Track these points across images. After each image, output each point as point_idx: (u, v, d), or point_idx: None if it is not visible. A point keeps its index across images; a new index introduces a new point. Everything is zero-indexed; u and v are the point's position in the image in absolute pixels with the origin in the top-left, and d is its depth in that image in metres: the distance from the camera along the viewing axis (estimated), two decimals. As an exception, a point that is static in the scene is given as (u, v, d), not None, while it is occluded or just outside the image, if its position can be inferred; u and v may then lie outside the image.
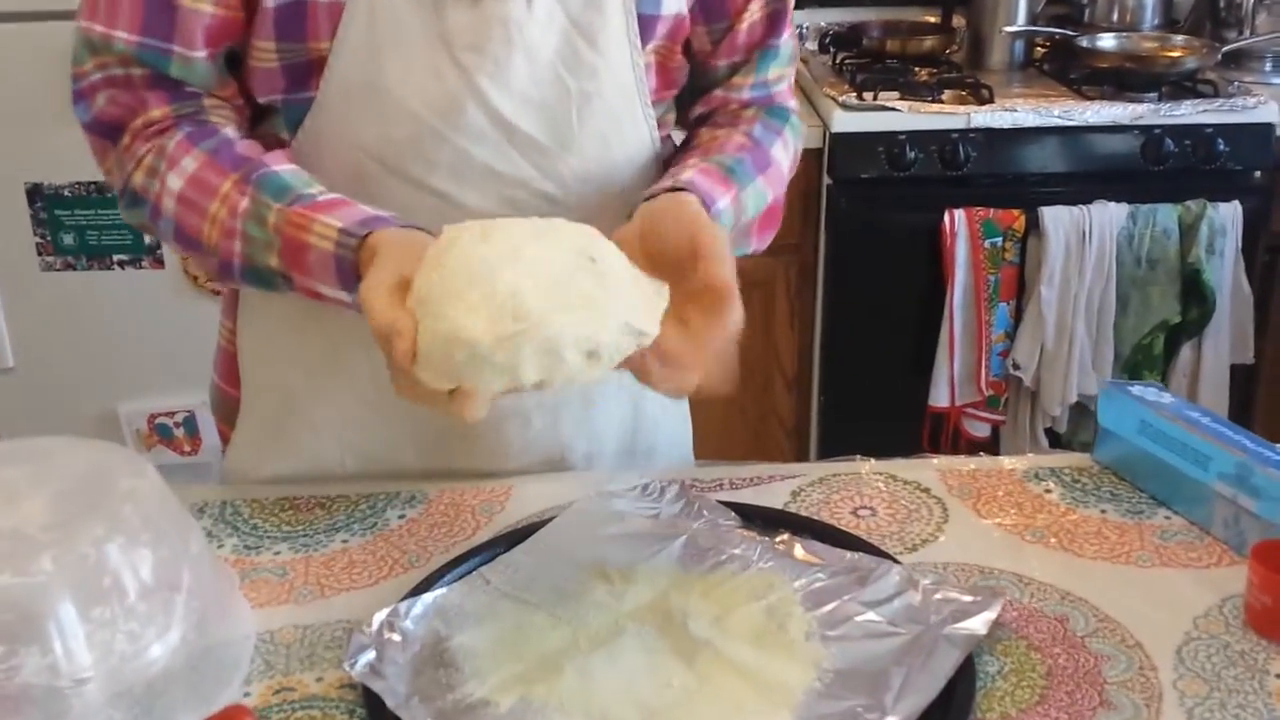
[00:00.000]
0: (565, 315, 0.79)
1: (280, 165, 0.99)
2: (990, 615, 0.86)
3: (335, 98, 1.01)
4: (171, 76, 1.01)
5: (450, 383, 0.81)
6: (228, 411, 1.21)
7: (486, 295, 0.79)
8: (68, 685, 0.76)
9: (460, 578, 0.95)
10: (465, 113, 1.01)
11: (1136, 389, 1.07)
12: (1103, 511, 1.04)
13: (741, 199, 1.06)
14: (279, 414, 1.16)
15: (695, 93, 1.18)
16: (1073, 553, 0.98)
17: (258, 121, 1.07)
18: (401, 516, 1.06)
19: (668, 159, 1.14)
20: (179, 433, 2.54)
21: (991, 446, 2.50)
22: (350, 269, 0.92)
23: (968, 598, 0.88)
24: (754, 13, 1.13)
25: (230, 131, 1.03)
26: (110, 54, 1.00)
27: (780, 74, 1.18)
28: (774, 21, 1.14)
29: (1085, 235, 2.32)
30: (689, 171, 1.02)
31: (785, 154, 1.16)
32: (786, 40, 1.16)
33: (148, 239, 2.39)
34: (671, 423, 1.28)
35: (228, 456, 1.20)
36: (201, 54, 1.00)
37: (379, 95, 1.00)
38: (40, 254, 2.44)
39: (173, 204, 1.00)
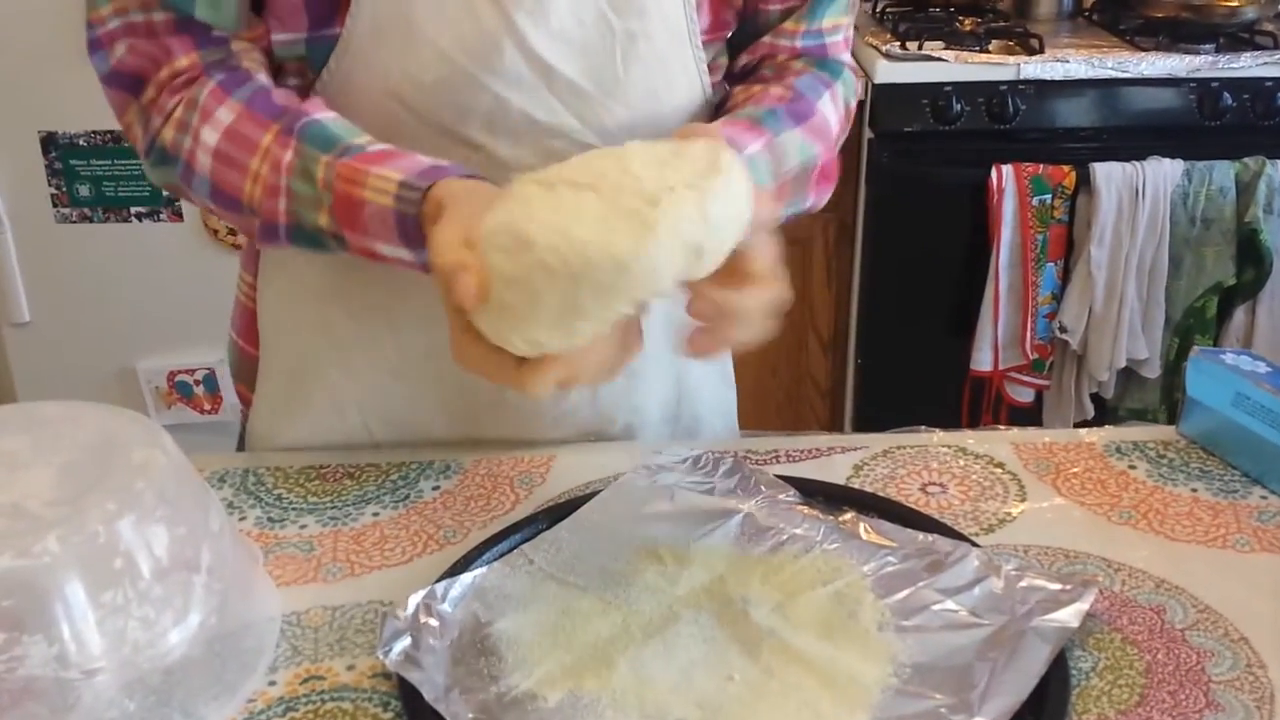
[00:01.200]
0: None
1: (323, 113, 0.91)
2: (1083, 606, 0.79)
3: (362, 36, 0.93)
4: (196, 19, 0.92)
5: (525, 328, 0.72)
6: (246, 372, 1.14)
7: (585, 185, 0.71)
8: (77, 676, 0.69)
9: (500, 556, 0.88)
10: (502, 54, 0.93)
11: (1229, 357, 0.99)
12: (1193, 490, 0.96)
13: (777, 146, 0.97)
14: (300, 378, 1.08)
15: (742, 41, 1.08)
16: (1164, 535, 0.90)
17: (276, 78, 0.99)
18: (436, 488, 0.99)
19: (731, 97, 1.05)
20: (199, 390, 2.48)
21: (1034, 412, 2.43)
22: (414, 225, 0.83)
23: (1056, 586, 0.81)
24: None
25: (264, 78, 0.95)
26: None
27: (836, 23, 1.08)
28: None
29: (1138, 193, 2.23)
30: (714, 125, 0.94)
31: (834, 108, 1.05)
32: None
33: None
34: (715, 392, 1.20)
35: (250, 424, 1.13)
36: None
37: (409, 34, 0.92)
38: (55, 205, 2.37)
39: (209, 160, 0.92)
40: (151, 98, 0.94)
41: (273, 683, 0.79)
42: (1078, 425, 2.40)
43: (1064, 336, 2.34)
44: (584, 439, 1.09)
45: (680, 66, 1.00)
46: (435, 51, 0.93)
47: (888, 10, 2.54)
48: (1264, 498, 0.95)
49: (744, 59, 1.09)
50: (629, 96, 0.98)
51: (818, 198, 1.06)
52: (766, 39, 1.07)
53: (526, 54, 0.94)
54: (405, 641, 0.78)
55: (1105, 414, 2.42)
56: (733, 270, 0.76)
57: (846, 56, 1.10)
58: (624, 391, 1.10)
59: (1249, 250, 2.29)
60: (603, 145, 0.95)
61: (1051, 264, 2.32)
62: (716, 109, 1.08)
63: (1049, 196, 2.27)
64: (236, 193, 0.91)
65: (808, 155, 1.00)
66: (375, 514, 0.96)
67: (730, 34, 1.07)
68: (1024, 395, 2.42)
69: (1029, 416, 2.42)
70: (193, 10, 0.92)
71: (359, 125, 0.92)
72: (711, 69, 1.04)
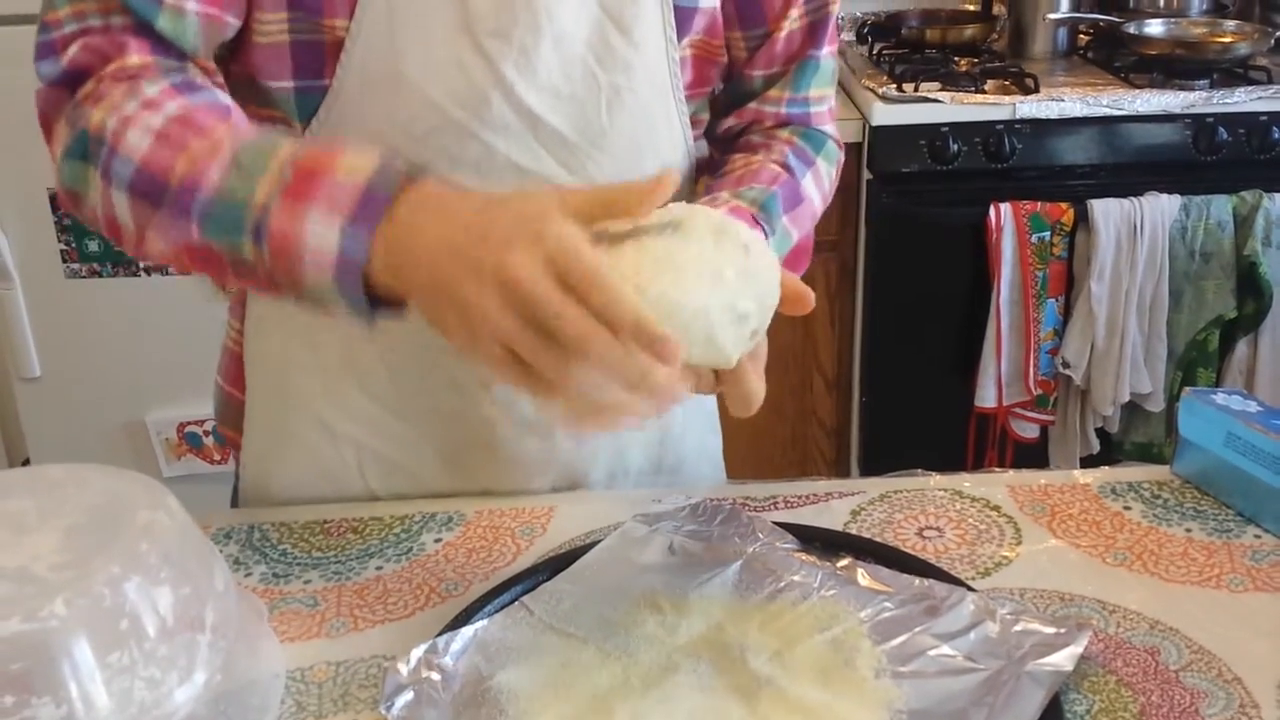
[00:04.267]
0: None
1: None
2: (1076, 650, 0.79)
3: (352, 87, 0.94)
4: (156, 28, 0.88)
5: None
6: (231, 416, 1.15)
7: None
8: (84, 737, 0.70)
9: (501, 608, 0.89)
10: (490, 104, 0.95)
11: (1220, 397, 1.00)
12: (1188, 530, 0.97)
13: (773, 243, 0.99)
14: (288, 417, 1.09)
15: (729, 105, 1.11)
16: (1159, 576, 0.91)
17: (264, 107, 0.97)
18: (438, 540, 1.00)
19: (700, 162, 1.08)
20: (208, 441, 2.50)
21: (1040, 448, 2.43)
22: (379, 206, 0.75)
23: (1050, 629, 0.82)
24: (793, 20, 1.06)
25: (227, 97, 0.90)
26: None
27: (821, 94, 1.11)
28: (814, 31, 1.07)
29: (1136, 228, 2.24)
30: (722, 208, 0.95)
31: (817, 188, 1.08)
32: (828, 55, 1.09)
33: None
34: (700, 438, 1.22)
35: (243, 467, 1.15)
36: (195, 8, 0.89)
37: (398, 85, 0.94)
38: (65, 261, 2.40)
39: (145, 140, 0.82)
40: (89, 90, 0.87)
41: (277, 739, 0.80)
42: (1083, 460, 2.40)
43: (1067, 372, 2.34)
44: (571, 481, 1.10)
45: (664, 119, 1.02)
46: (425, 101, 0.94)
47: (884, 53, 2.57)
48: (1258, 537, 0.96)
49: (730, 121, 1.11)
50: (613, 147, 1.00)
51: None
52: (753, 105, 1.10)
53: (514, 104, 0.95)
54: (408, 695, 0.79)
55: (1111, 448, 2.42)
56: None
57: (830, 128, 1.13)
58: (608, 437, 1.11)
59: (1249, 283, 2.29)
60: None
61: (1052, 300, 2.33)
62: (702, 166, 1.10)
63: (1048, 233, 2.29)
64: (163, 174, 0.81)
65: (784, 248, 1.03)
66: (378, 568, 0.97)
67: (714, 90, 1.09)
68: (1029, 431, 2.43)
69: (1035, 452, 2.43)
70: (155, 20, 0.88)
71: None
72: (694, 122, 1.07)
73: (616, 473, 1.13)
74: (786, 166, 1.05)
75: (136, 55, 0.88)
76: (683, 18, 1.00)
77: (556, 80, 0.96)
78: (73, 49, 0.89)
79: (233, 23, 0.93)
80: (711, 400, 1.23)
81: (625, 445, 1.14)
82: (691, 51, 1.03)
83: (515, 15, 0.93)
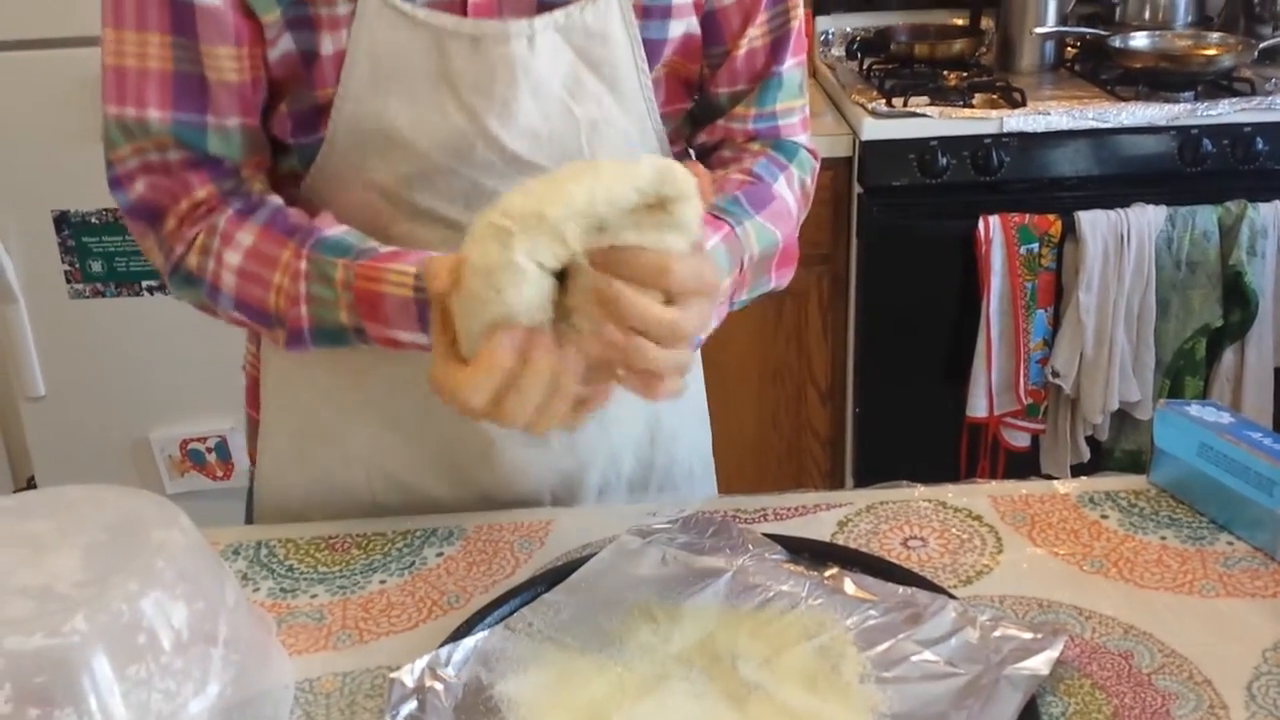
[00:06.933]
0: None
1: (333, 229, 0.99)
2: (1052, 654, 0.83)
3: (343, 139, 1.01)
4: (210, 154, 1.00)
5: (490, 302, 0.79)
6: (253, 435, 1.21)
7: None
8: (104, 747, 0.73)
9: (501, 620, 0.92)
10: (474, 149, 1.00)
11: (1194, 409, 1.03)
12: (1162, 538, 1.00)
13: (741, 235, 1.01)
14: (301, 434, 1.15)
15: (699, 121, 1.15)
16: (1134, 583, 0.95)
17: (276, 155, 1.06)
18: (440, 554, 1.03)
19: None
20: (211, 458, 2.53)
21: (1031, 456, 2.47)
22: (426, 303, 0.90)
23: (1028, 635, 0.85)
24: (753, 39, 1.08)
25: (275, 199, 1.03)
26: (147, 137, 0.99)
27: (789, 106, 1.13)
28: (777, 48, 1.09)
29: (1123, 239, 2.28)
30: None
31: (790, 191, 1.11)
32: (792, 68, 1.11)
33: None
34: (691, 433, 1.26)
35: (256, 483, 1.19)
36: (235, 121, 0.99)
37: (387, 136, 0.99)
38: (69, 281, 2.44)
39: (233, 279, 0.99)
40: (172, 228, 1.02)
41: (287, 747, 0.83)
42: (1074, 468, 2.44)
43: (1057, 381, 2.38)
44: (568, 482, 1.15)
45: (642, 142, 1.06)
46: (412, 150, 1.00)
47: (873, 68, 2.61)
48: (1230, 544, 0.99)
49: (702, 138, 1.14)
50: None
51: (779, 280, 1.10)
52: (721, 122, 1.13)
53: (498, 150, 1.00)
54: (412, 705, 0.82)
55: (1101, 456, 2.46)
56: (656, 270, 0.80)
57: (803, 137, 1.15)
58: (601, 439, 1.16)
59: (1234, 292, 2.33)
60: None
61: (1041, 310, 2.37)
62: None
63: (1036, 245, 2.33)
64: (262, 305, 0.99)
65: (768, 241, 1.05)
66: (382, 581, 1.00)
67: (689, 107, 1.13)
68: (1020, 440, 2.46)
69: (1026, 460, 2.46)
70: (206, 148, 0.99)
71: (347, 209, 1.01)
72: (673, 139, 1.10)
73: (610, 476, 1.18)
74: (754, 174, 1.08)
75: (201, 189, 1.01)
76: (652, 49, 1.04)
77: (536, 123, 1.01)
78: (139, 185, 1.01)
79: (259, 123, 1.02)
80: (700, 396, 1.28)
81: (618, 449, 1.18)
82: (665, 71, 1.07)
83: (494, 72, 0.98)
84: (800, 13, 1.10)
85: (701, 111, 1.14)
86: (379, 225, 1.01)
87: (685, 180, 0.80)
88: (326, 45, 0.97)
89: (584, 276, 0.81)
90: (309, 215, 1.02)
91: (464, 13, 0.97)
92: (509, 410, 0.82)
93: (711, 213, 1.01)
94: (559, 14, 0.99)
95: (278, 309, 0.98)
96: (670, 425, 1.22)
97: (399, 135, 0.99)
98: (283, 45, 0.98)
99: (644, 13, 1.02)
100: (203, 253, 1.00)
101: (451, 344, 0.83)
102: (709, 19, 1.07)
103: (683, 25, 1.05)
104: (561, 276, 0.81)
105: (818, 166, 1.18)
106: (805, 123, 1.16)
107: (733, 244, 1.00)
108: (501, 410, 0.82)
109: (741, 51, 1.08)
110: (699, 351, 1.27)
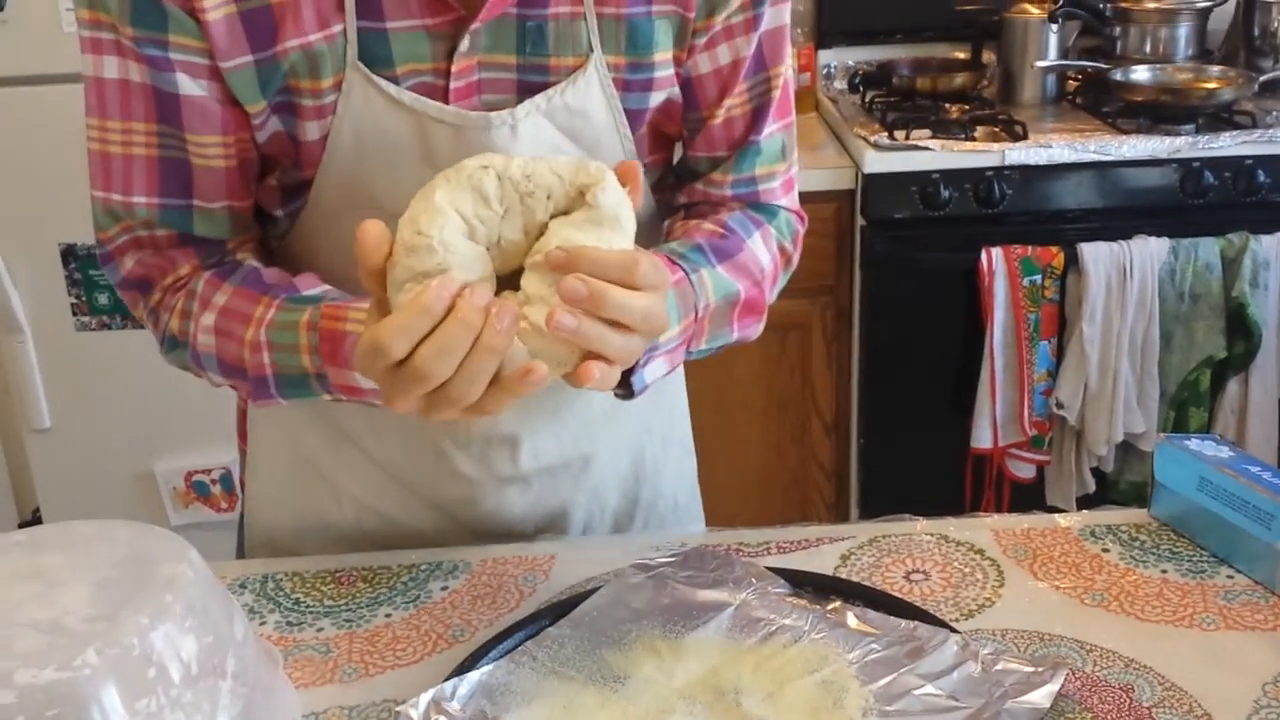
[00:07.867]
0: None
1: (311, 290, 1.00)
2: (1053, 687, 0.84)
3: (327, 204, 1.02)
4: (196, 234, 1.01)
5: (417, 249, 0.81)
6: (245, 466, 1.22)
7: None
8: (112, 780, 0.74)
9: (505, 654, 0.93)
10: None
11: (1194, 443, 1.04)
12: (1163, 572, 1.01)
13: (696, 281, 0.99)
14: (288, 467, 1.17)
15: (678, 181, 1.13)
16: (1134, 616, 0.95)
17: (264, 224, 1.09)
18: (444, 588, 1.04)
19: (669, 228, 1.12)
20: (215, 489, 2.54)
21: (1037, 487, 2.47)
22: None
23: (1029, 668, 0.86)
24: (732, 108, 1.06)
25: (253, 261, 1.04)
26: (133, 218, 1.00)
27: (769, 171, 1.10)
28: (757, 117, 1.07)
29: (1126, 271, 2.29)
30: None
31: (765, 248, 1.08)
32: (773, 135, 1.09)
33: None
34: (677, 465, 1.27)
35: (245, 513, 1.21)
36: (222, 204, 1.01)
37: (369, 206, 0.98)
38: (75, 314, 2.45)
39: (211, 339, 0.99)
40: (158, 300, 1.04)
41: (294, 781, 0.84)
42: (1079, 499, 2.44)
43: (1061, 412, 2.39)
44: (553, 522, 1.16)
45: None
46: (393, 216, 1.00)
47: (876, 101, 2.63)
48: (1230, 577, 1.00)
49: (681, 198, 1.13)
50: None
51: (742, 333, 1.07)
52: (699, 185, 1.11)
53: None
54: (417, 739, 0.83)
55: (1106, 487, 2.46)
56: (622, 267, 0.80)
57: (786, 200, 1.13)
58: (582, 478, 1.17)
59: (1238, 324, 2.34)
60: None
61: (1045, 342, 2.37)
62: (667, 231, 1.14)
63: (1039, 277, 2.34)
64: (237, 361, 0.99)
65: (728, 292, 1.02)
66: (388, 615, 1.01)
67: (670, 158, 1.13)
68: (1025, 471, 2.47)
69: (1031, 492, 2.46)
70: (192, 230, 1.01)
71: (328, 266, 1.02)
72: (656, 189, 1.11)
73: (594, 511, 1.19)
74: (727, 227, 1.06)
75: (185, 265, 1.03)
76: (634, 117, 1.03)
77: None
78: (129, 261, 1.03)
79: (249, 203, 1.04)
80: (685, 425, 1.29)
81: (601, 486, 1.19)
82: (646, 129, 1.06)
83: (474, 154, 0.98)
84: (784, 80, 1.08)
85: (680, 172, 1.13)
86: (359, 277, 1.01)
87: (599, 169, 0.82)
88: (313, 131, 0.98)
89: (542, 270, 0.81)
90: (289, 272, 1.02)
91: (446, 99, 0.98)
92: (429, 364, 0.77)
93: (669, 256, 1.00)
94: (540, 99, 0.99)
95: (247, 365, 0.98)
96: (654, 458, 1.23)
97: (380, 205, 0.97)
98: (270, 127, 0.99)
99: (625, 85, 1.02)
100: (183, 316, 1.01)
101: (381, 305, 0.81)
102: (686, 85, 1.05)
103: (664, 95, 1.04)
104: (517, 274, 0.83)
105: (802, 230, 1.15)
106: (789, 185, 1.13)
107: (684, 290, 0.98)
108: (424, 365, 0.77)
109: (718, 120, 1.07)
110: (683, 380, 1.28)
